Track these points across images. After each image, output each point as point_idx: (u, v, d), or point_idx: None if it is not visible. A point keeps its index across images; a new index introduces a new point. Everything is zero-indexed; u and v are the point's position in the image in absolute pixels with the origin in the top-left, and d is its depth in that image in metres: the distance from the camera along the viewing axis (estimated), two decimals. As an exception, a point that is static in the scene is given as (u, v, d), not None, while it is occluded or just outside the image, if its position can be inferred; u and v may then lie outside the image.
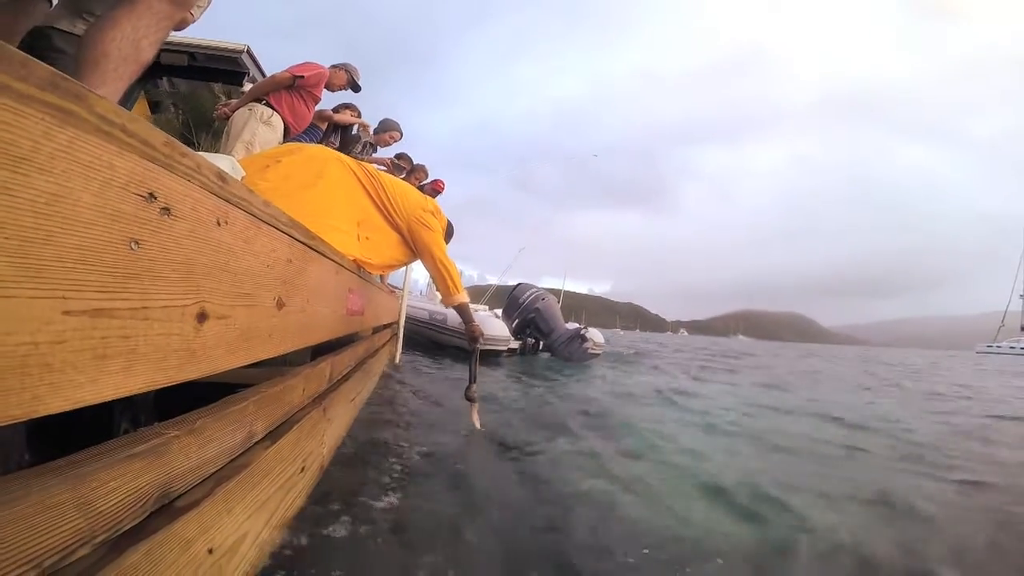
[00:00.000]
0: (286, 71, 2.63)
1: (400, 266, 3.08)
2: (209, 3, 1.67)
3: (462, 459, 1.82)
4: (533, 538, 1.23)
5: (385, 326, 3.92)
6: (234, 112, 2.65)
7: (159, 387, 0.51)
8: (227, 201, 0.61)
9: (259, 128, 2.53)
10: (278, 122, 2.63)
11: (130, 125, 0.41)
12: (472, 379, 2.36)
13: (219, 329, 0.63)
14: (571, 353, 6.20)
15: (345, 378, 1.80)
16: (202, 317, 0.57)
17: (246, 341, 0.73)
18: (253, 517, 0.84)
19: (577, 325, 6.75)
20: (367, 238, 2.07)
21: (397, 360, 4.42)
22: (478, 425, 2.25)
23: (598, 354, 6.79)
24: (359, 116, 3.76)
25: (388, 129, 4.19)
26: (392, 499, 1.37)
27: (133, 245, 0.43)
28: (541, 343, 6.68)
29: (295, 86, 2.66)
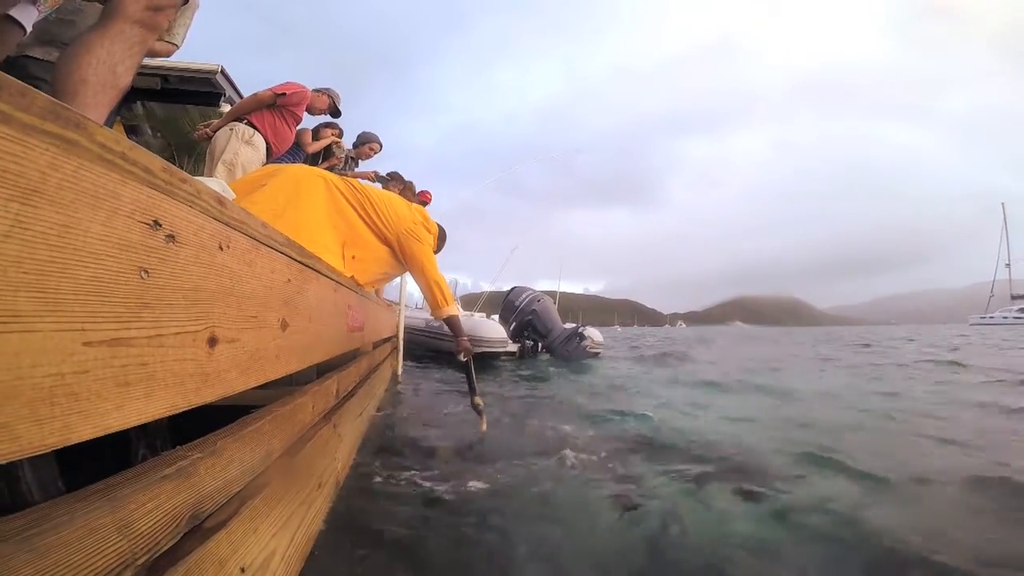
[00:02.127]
0: (267, 90, 2.62)
1: (388, 280, 3.06)
2: (188, 28, 1.66)
3: (478, 469, 1.82)
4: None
5: (385, 340, 3.91)
6: (215, 132, 2.63)
7: (178, 411, 0.52)
8: (227, 225, 0.62)
9: (241, 148, 2.52)
10: (260, 142, 2.61)
11: (130, 153, 0.42)
12: (472, 390, 2.37)
13: (230, 352, 0.63)
14: (570, 352, 6.22)
15: (351, 394, 1.80)
16: (213, 341, 0.58)
17: (256, 362, 0.73)
18: (278, 535, 0.84)
19: (575, 324, 6.77)
20: (353, 258, 2.07)
21: (399, 372, 4.41)
22: (483, 427, 2.26)
23: (598, 352, 6.79)
24: (340, 134, 3.76)
25: (367, 142, 4.19)
26: (410, 511, 1.37)
27: (143, 274, 0.44)
28: (540, 345, 6.70)
29: (276, 105, 2.64)
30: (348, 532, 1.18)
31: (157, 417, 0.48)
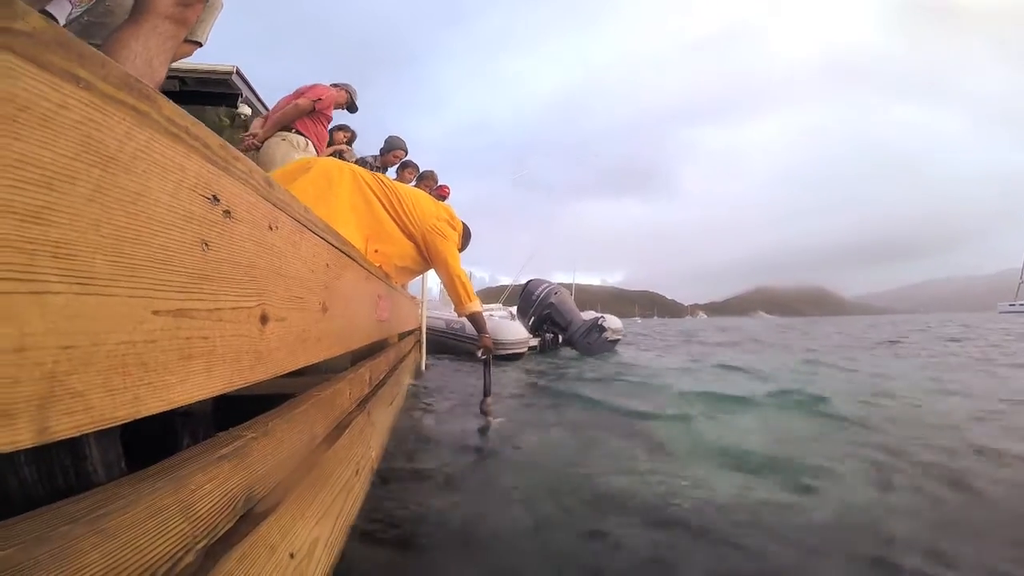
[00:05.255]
0: (304, 98, 2.74)
1: (412, 275, 3.09)
2: (211, 27, 1.70)
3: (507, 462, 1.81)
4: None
5: (408, 332, 3.95)
6: (262, 142, 2.73)
7: (234, 389, 0.52)
8: (275, 206, 0.62)
9: (298, 157, 2.62)
10: (312, 149, 2.76)
11: (192, 128, 0.42)
12: (486, 392, 2.38)
13: (279, 331, 0.64)
14: (590, 345, 6.19)
15: (382, 383, 1.82)
16: (264, 319, 0.58)
17: (301, 344, 0.74)
18: (322, 521, 0.84)
19: (594, 314, 6.73)
20: (376, 251, 2.09)
21: (423, 367, 4.45)
22: (492, 421, 2.27)
23: (619, 339, 6.86)
24: (353, 137, 3.84)
25: (393, 148, 4.22)
26: (441, 502, 1.37)
27: (204, 246, 0.44)
28: (560, 337, 6.67)
29: (315, 111, 2.78)
30: (382, 523, 1.19)
31: (216, 394, 0.48)
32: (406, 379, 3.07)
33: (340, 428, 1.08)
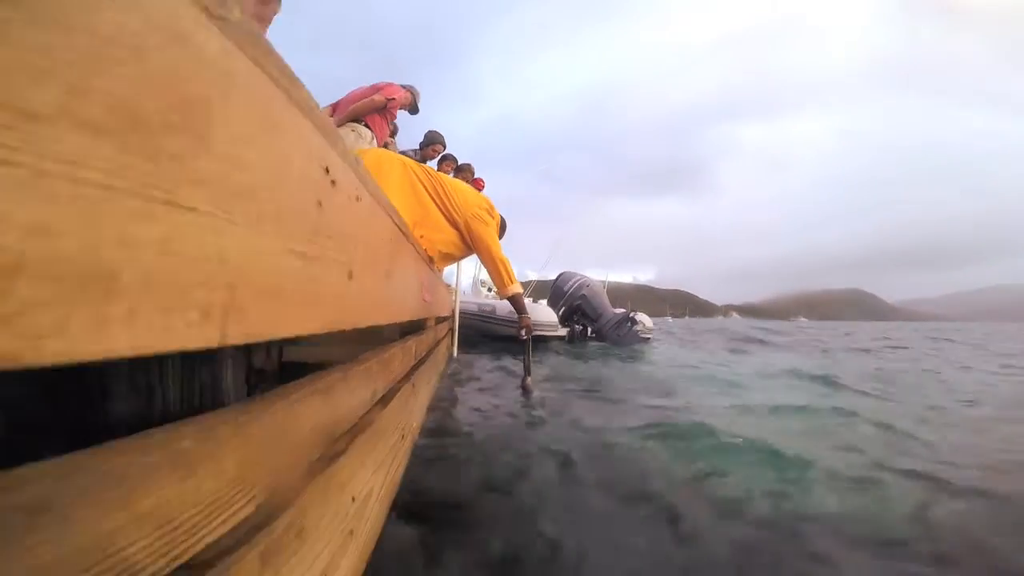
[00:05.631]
0: (379, 94, 2.87)
1: (453, 261, 3.22)
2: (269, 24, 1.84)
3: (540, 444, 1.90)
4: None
5: (443, 319, 4.08)
6: None
7: (328, 331, 0.62)
8: (360, 180, 0.72)
9: (362, 147, 2.79)
10: (375, 144, 2.94)
11: (316, 109, 0.51)
12: (527, 371, 2.47)
13: (359, 288, 0.73)
14: (620, 337, 6.18)
15: (423, 360, 1.93)
16: (351, 275, 0.68)
17: (372, 304, 0.84)
18: (376, 474, 0.92)
19: (625, 309, 6.71)
20: (421, 236, 2.22)
21: (455, 354, 4.59)
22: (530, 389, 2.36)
23: (649, 338, 6.78)
24: (395, 130, 4.01)
25: (432, 143, 4.36)
26: (475, 476, 1.45)
27: (318, 205, 0.53)
28: (589, 329, 6.70)
29: (386, 108, 2.92)
30: (419, 493, 1.27)
31: (316, 332, 0.58)
32: (442, 361, 3.20)
33: (391, 392, 1.19)
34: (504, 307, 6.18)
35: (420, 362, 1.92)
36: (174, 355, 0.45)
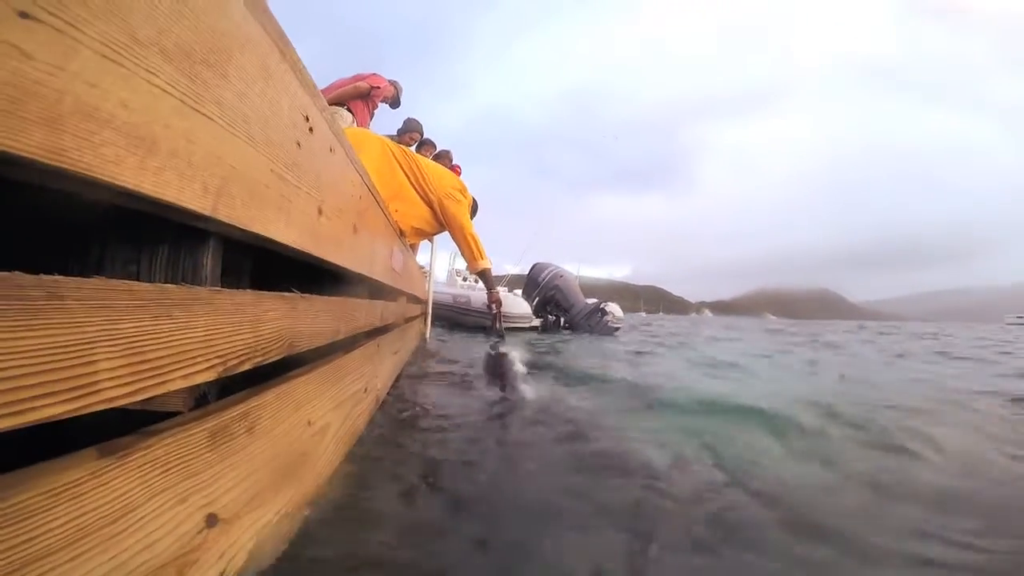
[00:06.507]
0: (364, 82, 2.96)
1: (424, 236, 3.36)
2: None
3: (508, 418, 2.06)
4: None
5: (416, 301, 4.21)
6: None
7: (297, 248, 0.77)
8: (335, 135, 0.87)
9: None
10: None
11: (301, 68, 0.67)
12: (499, 334, 2.66)
13: (327, 227, 0.89)
14: (592, 327, 6.44)
15: (391, 327, 2.08)
16: (320, 212, 0.84)
17: (338, 246, 0.99)
18: (335, 411, 0.97)
19: (596, 300, 6.98)
20: (396, 210, 2.36)
21: (427, 337, 4.72)
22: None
23: (619, 327, 7.08)
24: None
25: (409, 130, 4.50)
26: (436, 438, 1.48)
27: (297, 145, 0.69)
28: (562, 319, 6.93)
29: (369, 96, 3.00)
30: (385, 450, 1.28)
31: (289, 243, 0.73)
32: (411, 339, 3.33)
33: (354, 341, 1.33)
34: (479, 298, 6.35)
35: (388, 327, 2.06)
36: (164, 246, 0.58)
